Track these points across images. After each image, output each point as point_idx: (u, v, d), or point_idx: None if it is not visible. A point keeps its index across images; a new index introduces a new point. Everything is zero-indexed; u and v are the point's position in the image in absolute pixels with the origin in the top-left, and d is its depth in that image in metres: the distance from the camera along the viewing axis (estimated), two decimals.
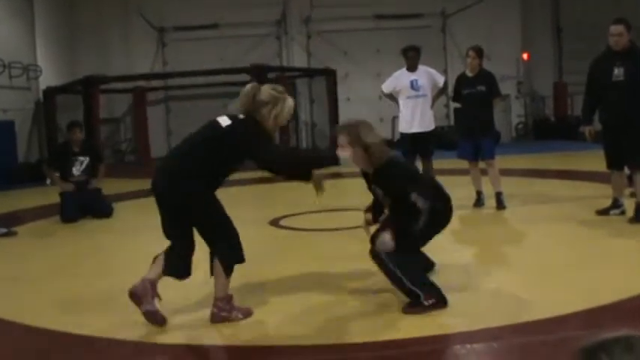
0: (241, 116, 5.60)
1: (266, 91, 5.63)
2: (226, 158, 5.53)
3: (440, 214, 5.82)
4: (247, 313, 5.63)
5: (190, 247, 5.61)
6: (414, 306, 5.45)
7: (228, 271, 5.51)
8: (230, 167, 5.65)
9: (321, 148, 23.98)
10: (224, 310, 5.52)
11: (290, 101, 5.71)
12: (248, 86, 5.75)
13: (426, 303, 5.42)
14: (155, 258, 5.65)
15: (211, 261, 5.54)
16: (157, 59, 25.59)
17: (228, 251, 5.52)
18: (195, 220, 5.51)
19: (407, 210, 5.63)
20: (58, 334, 5.38)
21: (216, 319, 5.49)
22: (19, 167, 19.34)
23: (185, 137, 5.80)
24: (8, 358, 5.06)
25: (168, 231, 5.61)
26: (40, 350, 5.23)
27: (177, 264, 5.56)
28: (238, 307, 5.62)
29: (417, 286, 5.47)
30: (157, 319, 5.38)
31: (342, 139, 5.87)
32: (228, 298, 5.57)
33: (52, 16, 22.72)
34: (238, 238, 5.60)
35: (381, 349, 4.70)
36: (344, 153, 5.92)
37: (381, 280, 6.53)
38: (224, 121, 5.57)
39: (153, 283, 5.45)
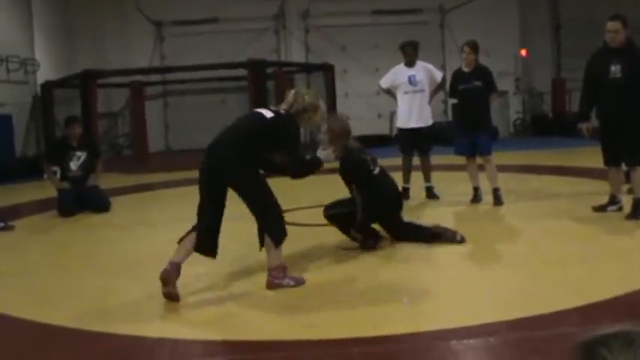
0: (283, 112, 6.35)
1: (310, 98, 6.46)
2: (267, 146, 6.25)
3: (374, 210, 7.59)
4: (299, 282, 6.25)
5: (219, 226, 6.21)
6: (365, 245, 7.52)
7: (277, 243, 6.18)
8: (265, 154, 6.34)
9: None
10: (277, 277, 6.15)
11: (323, 110, 6.64)
12: (296, 89, 6.69)
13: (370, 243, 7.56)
14: (181, 240, 6.17)
15: (260, 235, 6.21)
16: (154, 53, 25.59)
17: (275, 226, 6.17)
18: (245, 197, 6.18)
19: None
20: (51, 328, 5.39)
21: (271, 285, 6.13)
22: (17, 161, 19.32)
23: (230, 125, 6.44)
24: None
25: (207, 207, 6.16)
26: (30, 343, 5.22)
27: (208, 242, 6.15)
28: (291, 276, 6.27)
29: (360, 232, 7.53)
30: (173, 298, 5.86)
31: (324, 126, 7.40)
32: (282, 267, 6.23)
33: (50, 10, 22.69)
34: (282, 215, 6.31)
35: (375, 344, 4.70)
36: (323, 136, 7.43)
37: (375, 275, 6.55)
38: (267, 113, 6.31)
39: (179, 266, 5.97)
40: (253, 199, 6.18)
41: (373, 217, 7.65)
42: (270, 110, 6.37)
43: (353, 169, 7.68)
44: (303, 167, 6.62)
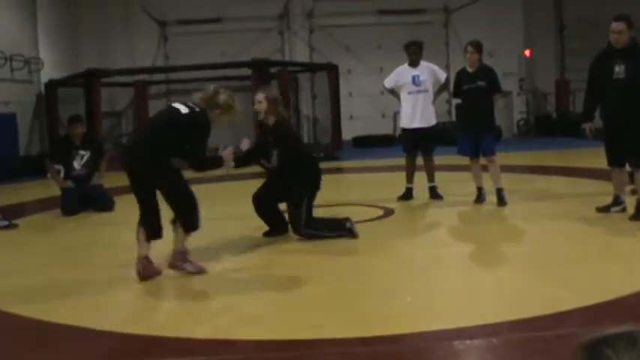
0: (198, 109, 6.72)
1: (225, 97, 6.86)
2: (180, 139, 6.58)
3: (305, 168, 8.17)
4: (200, 269, 6.73)
5: (159, 210, 6.74)
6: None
7: (187, 230, 6.72)
8: (179, 146, 6.62)
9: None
10: (179, 260, 6.72)
11: (236, 111, 7.01)
12: (212, 86, 6.96)
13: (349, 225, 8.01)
14: (137, 237, 6.67)
15: (174, 222, 6.76)
16: (158, 53, 25.59)
17: (191, 215, 6.69)
18: (166, 192, 6.65)
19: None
20: (53, 325, 5.39)
21: (171, 266, 6.74)
22: (21, 160, 19.33)
23: (146, 123, 7.05)
24: None
25: (143, 197, 6.65)
26: (32, 340, 5.23)
27: (158, 229, 6.66)
28: (193, 262, 6.77)
29: (335, 231, 8.08)
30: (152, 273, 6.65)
31: (260, 96, 8.10)
32: (185, 252, 6.77)
33: (54, 9, 22.70)
34: (196, 207, 6.71)
35: (379, 343, 4.70)
36: (259, 106, 8.06)
37: (379, 275, 6.55)
38: (183, 108, 6.68)
39: (147, 258, 6.63)
40: (173, 193, 6.67)
41: (304, 182, 8.13)
42: (186, 105, 6.73)
43: (285, 132, 8.30)
44: (204, 162, 6.95)
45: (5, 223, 10.16)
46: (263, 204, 8.43)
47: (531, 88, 26.56)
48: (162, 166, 6.57)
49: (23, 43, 20.55)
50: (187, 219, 6.71)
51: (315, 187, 8.22)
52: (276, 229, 8.46)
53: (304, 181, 8.12)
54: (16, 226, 10.17)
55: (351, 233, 8.06)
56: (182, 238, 6.76)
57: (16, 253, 8.54)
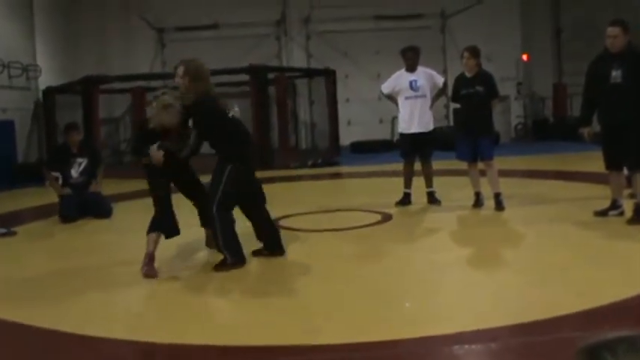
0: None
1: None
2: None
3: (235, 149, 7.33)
4: (149, 274, 6.95)
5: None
6: (221, 265, 7.09)
7: (150, 230, 7.23)
8: None
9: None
10: (143, 262, 7.05)
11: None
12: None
13: (229, 262, 7.06)
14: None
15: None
16: (156, 59, 25.63)
17: (158, 219, 7.29)
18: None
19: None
20: (54, 333, 5.38)
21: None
22: (19, 167, 19.32)
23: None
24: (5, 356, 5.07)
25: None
26: (33, 348, 5.23)
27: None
28: (150, 267, 7.03)
29: (227, 250, 7.10)
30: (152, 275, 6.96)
31: (180, 69, 7.34)
32: (148, 255, 7.08)
33: (52, 16, 22.72)
34: (165, 215, 7.27)
35: (378, 348, 4.69)
36: (178, 79, 7.31)
37: (378, 279, 6.55)
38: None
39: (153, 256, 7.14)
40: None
41: (233, 158, 7.27)
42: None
43: (205, 112, 7.31)
44: (134, 150, 7.89)
45: (4, 230, 10.17)
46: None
47: (529, 92, 26.61)
48: None
49: (21, 51, 20.57)
50: (156, 220, 7.33)
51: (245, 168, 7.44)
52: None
53: (234, 160, 7.25)
54: (14, 233, 10.18)
55: (232, 266, 7.12)
56: (148, 239, 7.24)
57: (15, 261, 8.53)
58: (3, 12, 19.98)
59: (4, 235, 10.05)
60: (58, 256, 8.76)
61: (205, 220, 7.72)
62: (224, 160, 7.26)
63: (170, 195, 7.46)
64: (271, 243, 7.73)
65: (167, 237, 7.37)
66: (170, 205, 7.40)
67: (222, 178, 7.17)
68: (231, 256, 7.13)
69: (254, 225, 7.74)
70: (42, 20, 21.94)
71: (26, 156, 20.70)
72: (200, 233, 8.07)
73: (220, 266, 7.12)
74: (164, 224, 7.32)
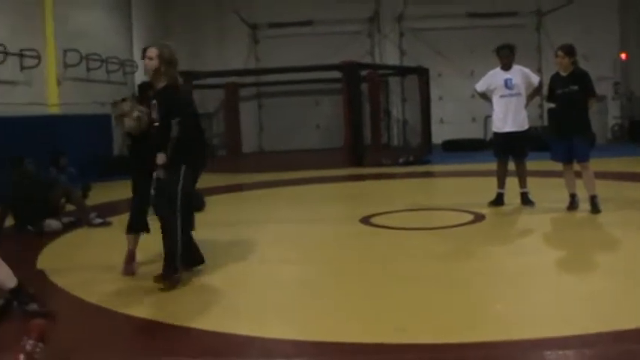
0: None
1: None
2: None
3: (190, 148, 6.72)
4: (127, 271, 7.18)
5: None
6: (167, 277, 6.53)
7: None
8: None
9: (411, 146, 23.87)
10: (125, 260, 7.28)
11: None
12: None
13: (176, 276, 6.58)
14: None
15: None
16: (249, 55, 25.87)
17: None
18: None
19: (163, 134, 6.63)
20: (145, 322, 5.50)
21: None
22: (114, 160, 19.73)
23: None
24: (99, 339, 5.18)
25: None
26: (126, 336, 5.35)
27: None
28: (130, 265, 7.25)
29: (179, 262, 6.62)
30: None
31: (152, 51, 6.87)
32: (128, 253, 7.31)
33: (149, 13, 23.16)
34: (134, 211, 7.32)
35: (467, 350, 4.66)
36: (150, 63, 6.80)
37: (469, 281, 6.48)
38: None
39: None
40: None
41: (188, 159, 6.74)
42: None
43: (183, 102, 6.99)
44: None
45: (100, 220, 10.49)
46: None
47: (626, 92, 25.92)
48: None
49: (119, 47, 21.02)
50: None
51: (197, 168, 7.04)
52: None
53: (187, 161, 6.72)
54: (110, 223, 10.46)
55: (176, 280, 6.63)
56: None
57: (112, 250, 8.72)
58: (103, 9, 20.46)
59: (100, 224, 10.42)
60: (150, 246, 8.94)
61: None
62: (179, 161, 6.67)
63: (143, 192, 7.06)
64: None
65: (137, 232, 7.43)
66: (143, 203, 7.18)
67: (178, 178, 6.67)
68: (176, 268, 6.63)
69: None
70: (139, 17, 22.38)
71: (121, 149, 21.14)
72: None
73: (164, 277, 6.55)
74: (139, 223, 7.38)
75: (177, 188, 6.64)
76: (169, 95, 6.80)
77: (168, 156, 6.59)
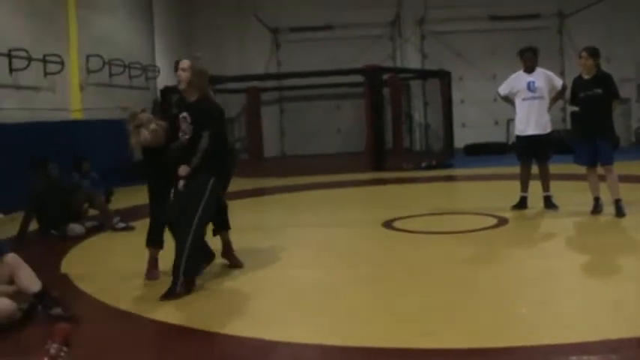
0: None
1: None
2: None
3: (219, 159, 6.84)
4: (149, 277, 7.24)
5: None
6: (170, 294, 6.40)
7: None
8: None
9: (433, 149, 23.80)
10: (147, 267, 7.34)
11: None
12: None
13: (179, 290, 6.42)
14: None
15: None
16: (271, 60, 25.90)
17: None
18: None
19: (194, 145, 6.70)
20: (171, 327, 5.51)
21: None
22: (136, 165, 19.78)
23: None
24: (123, 343, 5.20)
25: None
26: (151, 341, 5.36)
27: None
28: (152, 271, 7.33)
29: (186, 275, 6.48)
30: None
31: (185, 63, 6.98)
32: (150, 261, 7.35)
33: (171, 18, 23.26)
34: (151, 226, 7.34)
35: (494, 355, 4.65)
36: (183, 74, 6.89)
37: (494, 285, 6.45)
38: None
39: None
40: None
41: (217, 171, 6.83)
42: None
43: (217, 114, 7.06)
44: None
45: (123, 225, 10.55)
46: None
47: None
48: None
49: (141, 52, 21.11)
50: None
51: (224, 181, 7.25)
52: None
53: (216, 172, 6.82)
54: (133, 228, 10.52)
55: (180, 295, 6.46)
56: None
57: (136, 256, 8.75)
58: (126, 15, 20.55)
59: (123, 229, 10.49)
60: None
61: (219, 227, 7.66)
62: (207, 172, 6.73)
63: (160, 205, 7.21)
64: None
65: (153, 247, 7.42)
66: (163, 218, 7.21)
67: (204, 192, 6.68)
68: (185, 285, 6.50)
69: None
70: (161, 22, 22.48)
71: (138, 156, 21.21)
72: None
73: (169, 295, 6.43)
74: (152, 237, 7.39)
75: (200, 201, 6.62)
76: (203, 107, 6.88)
77: (195, 167, 6.63)
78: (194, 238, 6.54)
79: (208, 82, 7.14)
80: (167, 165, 6.84)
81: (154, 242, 7.35)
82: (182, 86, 6.95)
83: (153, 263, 7.39)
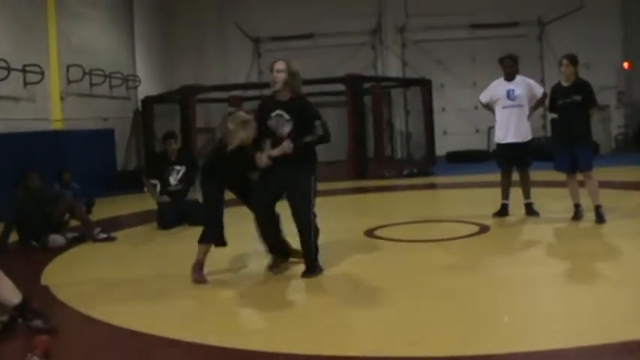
0: None
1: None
2: None
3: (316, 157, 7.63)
4: (198, 280, 7.23)
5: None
6: (312, 272, 7.26)
7: (199, 240, 7.43)
8: None
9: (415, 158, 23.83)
10: (193, 270, 7.31)
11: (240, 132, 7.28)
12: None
13: (318, 270, 7.32)
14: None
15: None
16: (252, 69, 25.88)
17: (205, 227, 7.49)
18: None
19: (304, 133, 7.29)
20: (151, 338, 5.48)
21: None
22: (118, 174, 19.75)
23: None
24: (103, 355, 5.18)
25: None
26: (132, 352, 5.32)
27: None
28: (200, 274, 7.30)
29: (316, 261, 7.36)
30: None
31: (281, 64, 7.54)
32: (197, 263, 7.34)
33: (151, 28, 23.20)
34: (212, 221, 7.43)
35: None
36: (279, 75, 7.42)
37: (475, 293, 6.46)
38: None
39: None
40: None
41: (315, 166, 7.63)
42: None
43: (309, 105, 7.63)
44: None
45: (104, 235, 10.48)
46: (269, 216, 7.70)
47: (630, 101, 25.88)
48: None
49: (121, 62, 21.06)
50: (204, 228, 7.50)
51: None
52: (280, 254, 7.89)
53: (313, 170, 7.57)
54: (114, 238, 10.47)
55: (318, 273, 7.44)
56: (198, 247, 7.44)
57: (117, 265, 8.73)
58: (106, 25, 20.49)
59: (105, 239, 10.40)
60: (157, 261, 8.93)
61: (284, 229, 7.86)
62: (310, 167, 7.51)
63: (222, 206, 7.62)
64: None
65: (217, 246, 7.55)
66: (222, 216, 7.55)
67: (313, 184, 7.42)
68: (318, 267, 7.41)
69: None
70: (141, 32, 22.43)
71: (125, 163, 21.16)
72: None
73: (310, 273, 7.31)
74: (214, 234, 7.48)
75: (311, 195, 7.34)
76: (301, 104, 7.52)
77: (302, 156, 7.31)
78: (314, 231, 7.35)
79: (300, 81, 7.67)
80: (242, 163, 7.41)
81: (210, 239, 7.48)
82: (278, 87, 7.49)
83: (198, 266, 7.40)
